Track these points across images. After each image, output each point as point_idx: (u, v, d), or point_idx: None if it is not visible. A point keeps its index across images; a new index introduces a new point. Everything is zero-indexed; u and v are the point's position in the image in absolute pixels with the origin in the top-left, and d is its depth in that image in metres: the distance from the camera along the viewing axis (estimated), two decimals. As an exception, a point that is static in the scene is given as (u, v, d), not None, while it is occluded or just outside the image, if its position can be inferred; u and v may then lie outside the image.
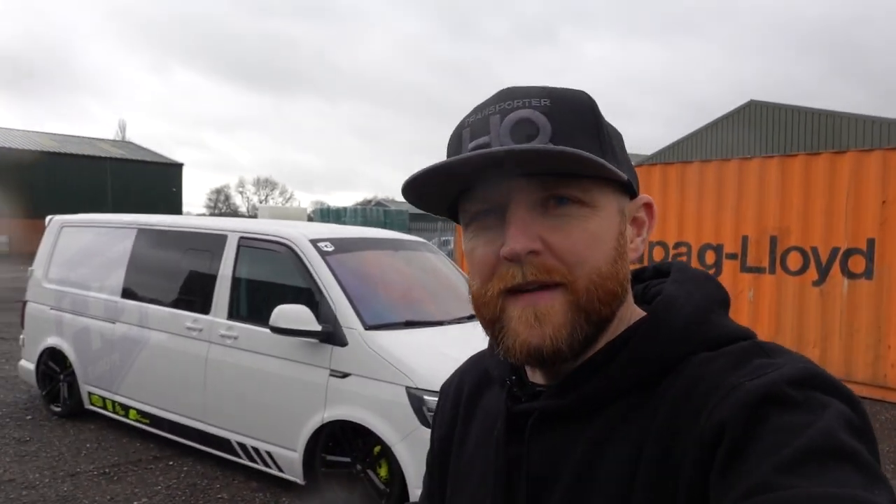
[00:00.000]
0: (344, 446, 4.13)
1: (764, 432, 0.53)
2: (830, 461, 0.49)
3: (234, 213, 67.47)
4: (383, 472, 3.97)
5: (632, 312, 0.72)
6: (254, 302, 4.84)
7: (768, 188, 7.90)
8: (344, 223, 23.20)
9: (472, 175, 0.65)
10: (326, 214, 28.37)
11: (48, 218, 6.53)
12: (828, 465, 0.49)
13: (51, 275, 6.20)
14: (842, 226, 7.34)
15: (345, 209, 29.19)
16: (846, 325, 7.27)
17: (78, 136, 43.09)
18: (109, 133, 66.82)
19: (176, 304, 5.10)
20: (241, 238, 4.87)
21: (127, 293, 5.46)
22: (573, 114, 0.67)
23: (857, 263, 7.25)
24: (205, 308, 4.87)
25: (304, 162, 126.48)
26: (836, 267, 7.39)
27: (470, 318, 4.80)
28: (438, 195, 0.71)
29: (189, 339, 4.89)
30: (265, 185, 74.63)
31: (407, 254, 5.37)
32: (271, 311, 4.30)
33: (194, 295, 5.02)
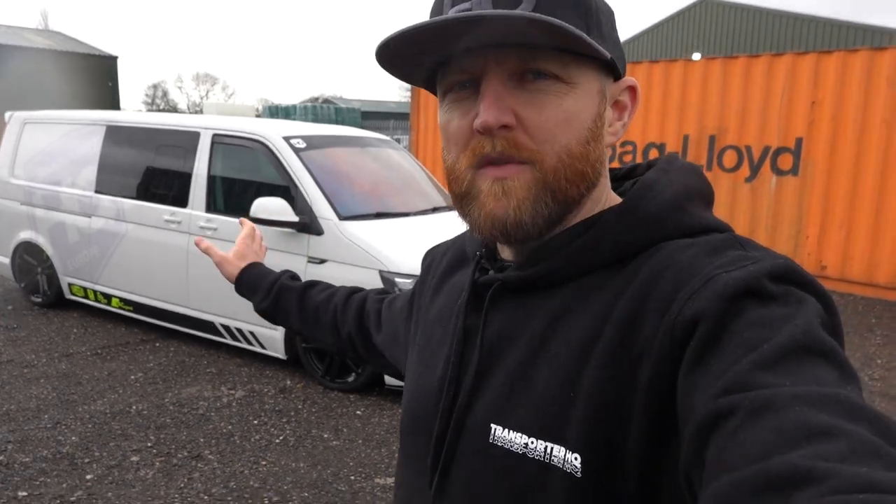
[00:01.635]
0: (322, 324, 4.59)
1: (741, 326, 0.52)
2: (809, 358, 0.48)
3: (174, 110, 64.80)
4: (359, 345, 4.47)
5: (608, 198, 0.71)
6: (230, 196, 5.12)
7: (710, 89, 8.34)
8: (293, 121, 22.69)
9: (447, 42, 0.63)
10: (275, 112, 27.74)
11: (7, 114, 6.51)
12: (807, 362, 0.48)
13: (17, 171, 6.27)
14: (774, 126, 7.90)
15: (294, 107, 28.54)
16: (772, 217, 7.99)
17: (-1, 25, 40.02)
18: (31, 23, 62.20)
19: (151, 199, 5.33)
20: (215, 135, 5.08)
21: (100, 188, 5.64)
22: None
23: (786, 161, 7.89)
24: (181, 202, 5.13)
25: (245, 57, 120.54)
26: (766, 164, 8.01)
27: (433, 210, 5.23)
28: (414, 64, 0.68)
29: (168, 231, 5.17)
30: (205, 79, 71.68)
31: (372, 150, 5.68)
32: (248, 204, 4.64)
33: (170, 189, 5.26)
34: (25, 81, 32.98)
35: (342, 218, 4.52)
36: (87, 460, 3.45)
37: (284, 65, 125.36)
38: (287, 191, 4.67)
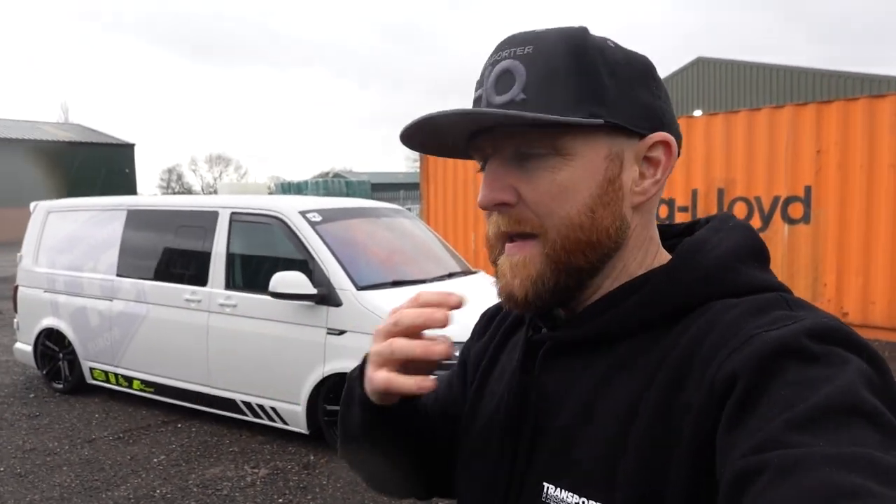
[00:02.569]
0: (344, 396, 4.56)
1: (778, 385, 0.51)
2: (847, 419, 0.47)
3: (189, 192, 66.34)
4: (382, 416, 4.42)
5: (656, 256, 0.71)
6: (249, 272, 5.20)
7: (714, 143, 8.48)
8: (308, 196, 23.11)
9: (450, 131, 0.68)
10: (287, 189, 28.36)
11: (32, 204, 6.71)
12: (844, 424, 0.46)
13: (41, 259, 6.42)
14: (782, 175, 7.97)
15: (306, 182, 29.20)
16: (787, 266, 7.95)
17: (18, 120, 41.62)
18: (52, 116, 64.65)
19: (172, 279, 5.42)
20: (233, 213, 5.20)
21: (122, 271, 5.75)
22: (554, 57, 0.65)
23: (796, 210, 7.91)
24: (201, 280, 5.21)
25: (256, 136, 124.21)
26: (777, 214, 8.04)
27: (449, 275, 5.27)
28: (438, 144, 0.73)
29: (188, 311, 5.23)
30: (218, 161, 73.40)
31: (386, 220, 5.78)
32: (266, 279, 4.71)
33: (190, 269, 5.35)
34: (48, 173, 34.00)
35: (360, 288, 4.56)
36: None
37: (293, 142, 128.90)
38: (304, 264, 4.74)
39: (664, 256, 0.72)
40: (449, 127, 0.67)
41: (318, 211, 5.08)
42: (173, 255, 5.52)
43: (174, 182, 71.57)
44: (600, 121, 0.64)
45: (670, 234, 0.77)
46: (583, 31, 0.68)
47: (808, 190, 7.81)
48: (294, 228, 4.86)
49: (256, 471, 4.36)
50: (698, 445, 0.55)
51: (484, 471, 0.75)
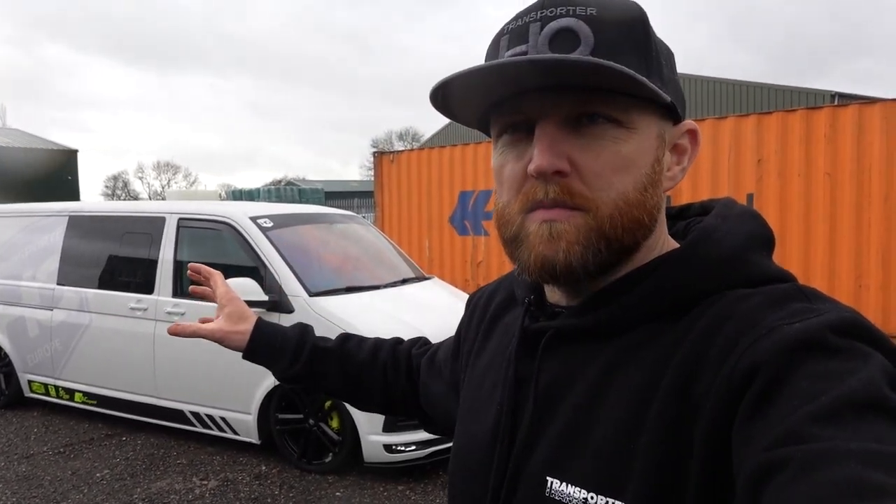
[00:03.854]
0: (296, 405, 4.50)
1: (800, 378, 0.50)
2: (870, 414, 0.46)
3: (135, 199, 64.51)
4: (335, 423, 4.38)
5: (665, 243, 0.69)
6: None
7: (662, 152, 8.70)
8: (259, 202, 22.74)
9: (502, 84, 0.63)
10: (238, 196, 27.70)
11: (-34, 210, 6.42)
12: (867, 418, 0.46)
13: (-25, 267, 6.13)
14: (725, 183, 8.23)
15: (257, 190, 28.61)
16: (732, 271, 8.20)
17: (-47, 125, 39.85)
18: (-9, 120, 62.08)
19: (117, 287, 5.25)
20: (181, 219, 5.08)
21: (63, 280, 5.54)
22: (621, 25, 0.61)
23: (740, 216, 8.18)
24: (148, 288, 5.06)
25: (204, 142, 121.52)
26: (721, 220, 8.30)
27: (403, 281, 5.25)
28: (469, 104, 0.68)
29: (134, 319, 5.07)
30: (166, 168, 71.51)
31: (339, 226, 5.73)
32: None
33: (136, 276, 5.19)
34: (-19, 179, 32.55)
35: (312, 294, 4.50)
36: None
37: (245, 149, 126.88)
38: (255, 271, 4.65)
39: (671, 243, 0.70)
40: (502, 81, 0.62)
41: (270, 217, 5.01)
42: (118, 263, 5.35)
43: (119, 189, 69.50)
44: (668, 99, 0.62)
45: (682, 217, 0.78)
46: (639, 4, 0.65)
47: (750, 198, 8.08)
48: (244, 234, 4.77)
49: (205, 483, 4.25)
50: (714, 439, 0.53)
51: (476, 462, 0.73)
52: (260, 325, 1.09)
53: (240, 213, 4.91)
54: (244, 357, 1.08)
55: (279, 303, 4.47)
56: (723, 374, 0.54)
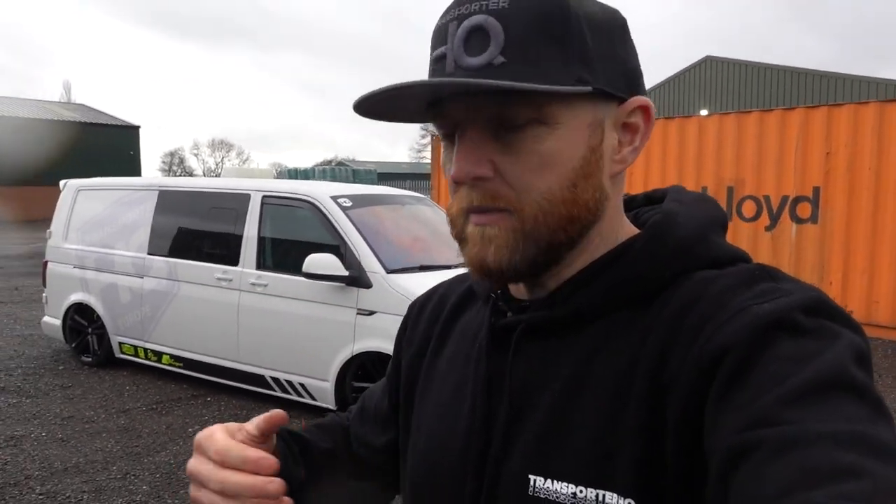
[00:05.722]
0: (372, 374, 4.77)
1: (769, 359, 0.50)
2: (839, 394, 0.47)
3: (190, 176, 66.34)
4: (408, 394, 4.63)
5: (623, 229, 0.68)
6: (279, 253, 5.39)
7: (725, 142, 8.65)
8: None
9: (413, 99, 0.62)
10: (294, 175, 28.42)
11: (62, 182, 6.89)
12: (836, 398, 0.46)
13: (70, 236, 6.61)
14: (791, 176, 8.16)
15: (312, 169, 29.29)
16: (794, 265, 8.14)
17: (24, 99, 41.61)
18: (54, 93, 64.63)
19: (203, 258, 5.61)
20: (265, 196, 5.39)
21: (153, 250, 5.94)
22: (532, 15, 0.59)
23: (804, 209, 8.10)
24: (233, 260, 5.41)
25: (253, 121, 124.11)
26: (785, 213, 8.23)
27: (472, 262, 5.45)
28: (396, 111, 0.67)
29: (219, 289, 5.42)
30: (220, 146, 73.33)
31: (409, 207, 5.97)
32: (296, 261, 4.92)
33: (221, 249, 5.54)
34: (54, 152, 34.05)
35: (389, 271, 4.75)
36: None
37: (294, 129, 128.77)
38: (335, 248, 4.93)
39: (631, 229, 0.69)
40: (413, 95, 0.61)
41: (349, 197, 5.28)
42: (205, 236, 5.72)
43: (176, 165, 71.49)
44: (589, 88, 0.59)
45: (633, 206, 0.76)
46: None
47: (816, 190, 8.00)
48: (326, 213, 5.05)
49: (288, 442, 4.57)
50: (687, 420, 0.53)
51: (448, 469, 0.70)
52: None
53: (321, 193, 5.19)
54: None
55: (358, 278, 4.74)
56: (692, 355, 0.54)
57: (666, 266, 0.62)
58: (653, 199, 0.75)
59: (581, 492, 0.59)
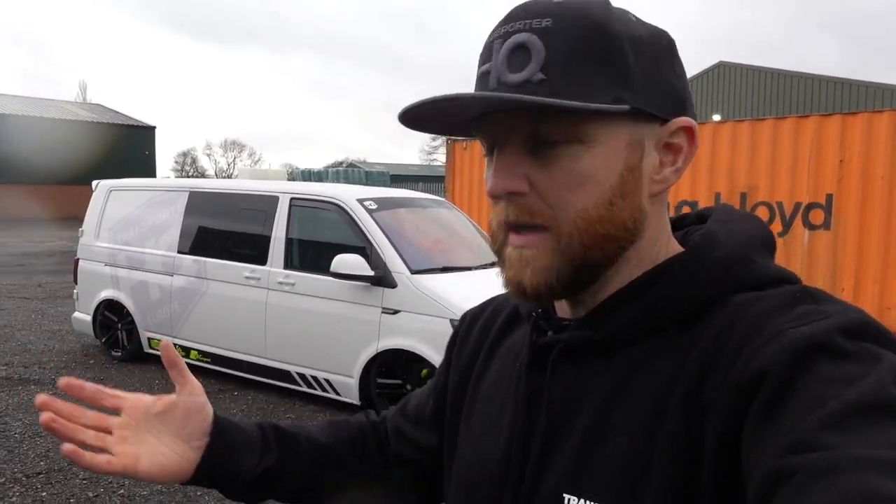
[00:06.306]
0: (395, 371, 4.95)
1: (809, 383, 0.49)
2: (881, 418, 0.45)
3: (202, 177, 66.89)
4: (430, 390, 4.81)
5: (666, 249, 0.68)
6: (306, 253, 5.58)
7: (740, 149, 8.78)
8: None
9: (459, 111, 0.64)
10: (308, 176, 28.62)
11: (94, 182, 7.12)
12: (878, 423, 0.45)
13: (102, 234, 6.83)
14: (804, 182, 8.27)
15: (326, 171, 29.51)
16: (806, 271, 8.25)
17: (40, 98, 42.17)
18: (69, 92, 65.38)
19: (232, 258, 5.81)
20: (293, 198, 5.59)
21: (183, 249, 6.15)
22: (574, 33, 0.60)
23: (817, 216, 8.21)
24: (261, 260, 5.60)
25: (267, 122, 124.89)
26: (798, 220, 8.35)
27: (493, 264, 5.62)
28: (439, 124, 0.69)
29: (248, 287, 5.62)
30: (232, 146, 73.87)
31: (431, 210, 6.15)
32: (322, 260, 5.12)
33: (250, 249, 5.74)
34: (70, 152, 34.46)
35: (413, 272, 4.93)
36: (199, 492, 3.79)
37: (305, 130, 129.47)
38: (362, 249, 5.11)
39: (675, 247, 0.68)
40: (457, 108, 0.63)
41: (374, 199, 5.46)
42: (234, 236, 5.92)
43: (188, 166, 72.07)
44: (626, 107, 0.60)
45: (680, 226, 0.76)
46: (605, 4, 0.63)
47: (829, 197, 8.11)
48: (353, 215, 5.23)
49: (315, 435, 4.75)
50: (724, 446, 0.53)
51: (488, 485, 0.71)
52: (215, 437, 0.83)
53: (348, 196, 5.38)
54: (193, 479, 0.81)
55: (384, 278, 4.92)
56: (731, 379, 0.54)
57: (703, 289, 0.62)
58: (703, 217, 0.74)
59: None
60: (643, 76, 0.62)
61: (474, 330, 0.85)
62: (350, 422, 0.94)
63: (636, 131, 0.63)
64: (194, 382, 0.82)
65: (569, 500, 0.62)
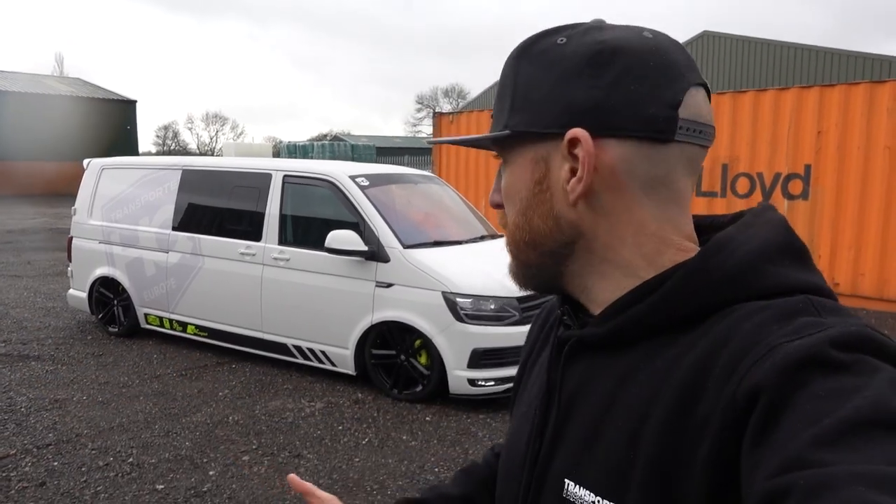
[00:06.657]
0: (389, 342, 5.13)
1: (803, 399, 0.48)
2: (878, 433, 0.44)
3: (185, 151, 66.18)
4: (423, 359, 5.01)
5: (670, 251, 0.68)
6: (300, 230, 5.72)
7: (721, 121, 8.95)
8: (312, 158, 23.62)
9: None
10: (293, 150, 28.61)
11: (86, 161, 7.17)
12: (875, 439, 0.44)
13: (95, 213, 6.90)
14: (783, 154, 8.48)
15: (311, 145, 29.48)
16: (785, 239, 8.49)
17: (18, 73, 41.29)
18: (45, 65, 64.04)
19: (227, 234, 5.93)
20: (286, 176, 5.70)
21: (178, 226, 6.25)
22: (503, 73, 0.72)
23: (796, 186, 8.45)
24: (256, 236, 5.73)
25: (249, 95, 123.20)
26: (777, 190, 8.58)
27: (481, 238, 5.80)
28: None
29: (243, 263, 5.75)
30: (215, 120, 73.03)
31: (421, 186, 6.29)
32: (316, 236, 5.28)
33: (245, 225, 5.86)
34: (50, 128, 33.95)
35: (406, 246, 5.09)
36: (205, 460, 3.97)
37: (287, 103, 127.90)
38: (355, 224, 5.25)
39: (685, 253, 0.67)
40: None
41: (366, 176, 5.59)
42: (228, 213, 6.03)
43: (170, 140, 71.15)
44: (507, 132, 0.70)
45: (714, 227, 0.74)
46: (530, 40, 0.70)
47: (807, 168, 8.34)
48: (345, 191, 5.36)
49: (313, 404, 4.94)
50: (717, 461, 0.53)
51: (516, 463, 0.78)
52: None
53: (340, 173, 5.50)
54: None
55: (377, 253, 5.07)
56: (726, 395, 0.54)
57: (708, 295, 0.62)
58: (738, 220, 0.72)
59: (599, 502, 0.63)
60: (526, 100, 0.68)
61: (535, 326, 0.92)
62: (479, 463, 1.02)
63: (540, 149, 0.69)
64: (324, 496, 0.88)
65: (568, 484, 0.67)
